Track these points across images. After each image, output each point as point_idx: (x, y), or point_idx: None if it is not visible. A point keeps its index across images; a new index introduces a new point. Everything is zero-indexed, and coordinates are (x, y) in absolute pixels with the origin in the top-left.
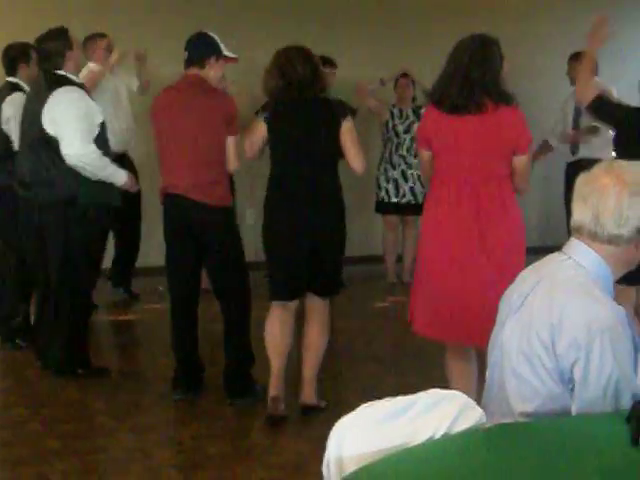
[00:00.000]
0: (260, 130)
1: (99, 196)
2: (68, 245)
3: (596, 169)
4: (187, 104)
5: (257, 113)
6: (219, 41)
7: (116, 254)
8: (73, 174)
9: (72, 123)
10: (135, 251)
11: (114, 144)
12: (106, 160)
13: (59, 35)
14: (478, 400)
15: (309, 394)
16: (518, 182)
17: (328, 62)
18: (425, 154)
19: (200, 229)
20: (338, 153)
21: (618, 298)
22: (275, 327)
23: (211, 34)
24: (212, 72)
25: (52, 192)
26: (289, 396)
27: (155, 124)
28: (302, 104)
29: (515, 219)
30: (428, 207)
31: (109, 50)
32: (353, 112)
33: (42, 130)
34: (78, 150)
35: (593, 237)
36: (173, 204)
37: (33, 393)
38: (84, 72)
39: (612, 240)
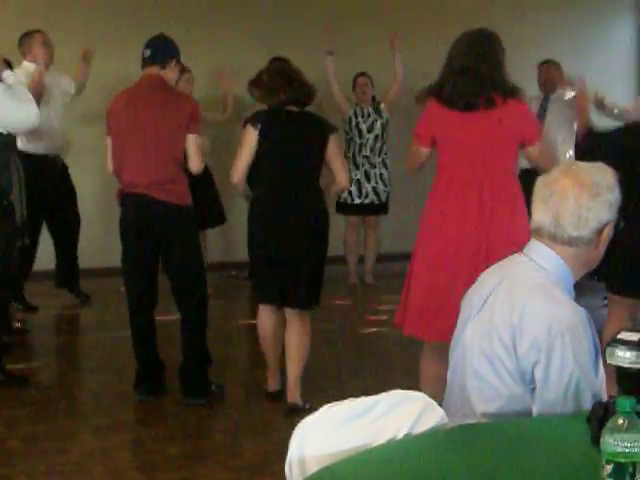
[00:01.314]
0: (251, 137)
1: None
2: None
3: (555, 171)
4: (147, 103)
5: (246, 124)
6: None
7: (57, 257)
8: None
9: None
10: (74, 250)
11: (46, 146)
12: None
13: None
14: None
15: (295, 395)
16: (542, 169)
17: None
18: (425, 151)
19: (160, 227)
20: (321, 167)
21: (613, 308)
22: (265, 325)
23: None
24: (171, 74)
25: None
26: (249, 395)
27: (113, 123)
28: (293, 119)
29: (521, 217)
30: (434, 204)
31: (47, 45)
32: (336, 129)
33: None
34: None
35: (553, 239)
36: (133, 203)
37: None
38: (19, 72)
39: (572, 242)
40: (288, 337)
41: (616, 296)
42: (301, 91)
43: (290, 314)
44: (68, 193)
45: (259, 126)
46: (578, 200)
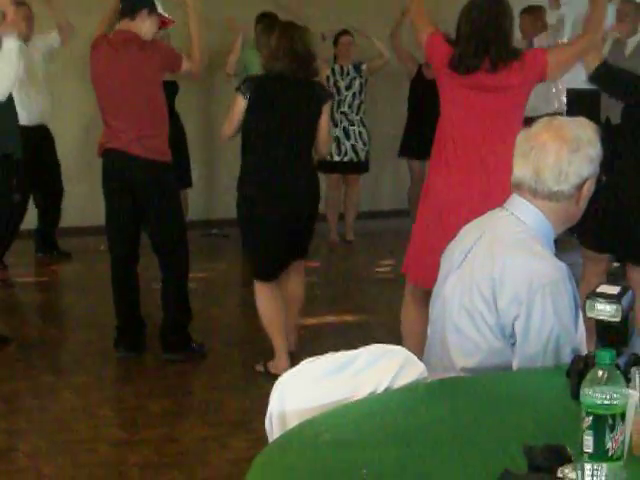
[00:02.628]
0: (239, 107)
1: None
2: None
3: (536, 126)
4: (119, 61)
5: (238, 89)
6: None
7: (39, 225)
8: None
9: None
10: (56, 221)
11: (30, 116)
12: None
13: None
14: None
15: (294, 342)
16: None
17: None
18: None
19: (139, 185)
20: (316, 134)
21: (587, 264)
22: (269, 305)
23: None
24: (144, 27)
25: None
26: (230, 353)
27: (93, 80)
28: (288, 86)
29: None
30: (438, 168)
31: (28, 20)
32: (331, 96)
33: None
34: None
35: (533, 193)
36: (112, 160)
37: None
38: None
39: (552, 196)
40: (292, 287)
41: (590, 252)
42: (307, 61)
43: (294, 265)
44: (52, 165)
45: (248, 96)
46: (558, 154)
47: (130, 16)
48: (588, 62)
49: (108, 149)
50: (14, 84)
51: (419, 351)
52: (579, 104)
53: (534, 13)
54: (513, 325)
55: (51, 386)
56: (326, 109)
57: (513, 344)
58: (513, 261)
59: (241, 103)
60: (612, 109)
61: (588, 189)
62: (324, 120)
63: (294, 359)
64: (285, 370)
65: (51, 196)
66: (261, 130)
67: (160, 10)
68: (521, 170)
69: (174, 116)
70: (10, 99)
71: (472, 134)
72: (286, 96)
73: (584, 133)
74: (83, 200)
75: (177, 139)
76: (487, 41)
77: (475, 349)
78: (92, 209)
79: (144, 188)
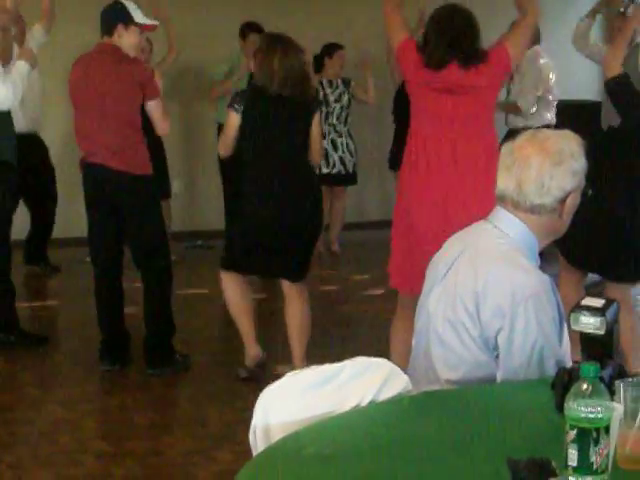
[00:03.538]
0: (233, 123)
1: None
2: None
3: (520, 138)
4: (98, 72)
5: (230, 106)
6: (131, 8)
7: (31, 233)
8: None
9: None
10: (49, 230)
11: (24, 123)
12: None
13: None
14: None
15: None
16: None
17: (256, 29)
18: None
19: (119, 198)
20: (309, 145)
21: (563, 280)
22: (234, 291)
23: (124, 1)
24: (124, 40)
25: None
26: (215, 365)
27: (71, 94)
28: (281, 99)
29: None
30: (408, 165)
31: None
32: (320, 104)
33: None
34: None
35: (516, 206)
36: (91, 172)
37: None
38: None
39: (534, 209)
40: (290, 313)
41: (567, 264)
42: (299, 81)
43: (289, 289)
44: (46, 171)
45: (241, 109)
46: (541, 168)
47: (107, 33)
48: (611, 66)
49: (88, 163)
50: (13, 104)
51: (404, 361)
52: (576, 117)
53: None
54: (496, 338)
55: (36, 398)
56: (317, 119)
57: (497, 357)
58: (496, 274)
59: (234, 118)
60: (614, 119)
61: (571, 202)
62: (315, 129)
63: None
64: (257, 358)
65: (45, 203)
66: (255, 144)
67: (139, 18)
68: (504, 183)
69: (151, 127)
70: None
71: (442, 138)
72: (277, 107)
73: (567, 146)
74: (65, 212)
75: (154, 150)
76: (458, 38)
77: (459, 361)
78: (77, 221)
79: (124, 201)
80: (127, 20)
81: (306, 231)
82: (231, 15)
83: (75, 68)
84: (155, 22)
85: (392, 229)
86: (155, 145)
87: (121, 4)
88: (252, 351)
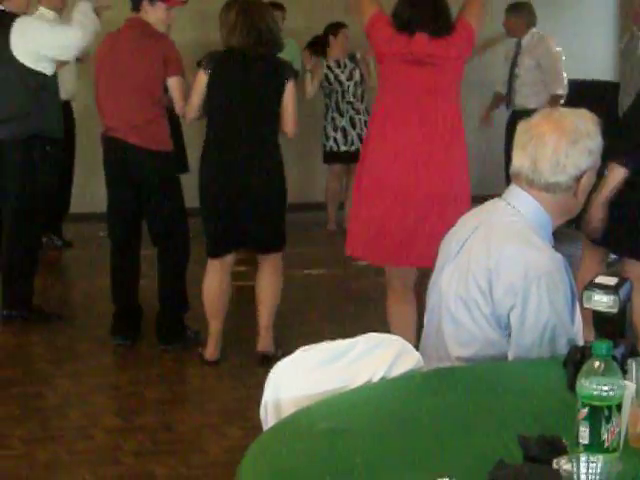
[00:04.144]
0: (201, 82)
1: (57, 130)
2: (33, 182)
3: (536, 117)
4: (124, 45)
5: (199, 64)
6: None
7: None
8: (42, 107)
9: (50, 31)
10: (67, 204)
11: (62, 89)
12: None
13: None
14: (417, 342)
15: (266, 343)
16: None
17: (277, 6)
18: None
19: (138, 173)
20: (278, 113)
21: (586, 259)
22: (213, 287)
23: None
24: (150, 16)
25: (22, 128)
26: (226, 341)
27: (97, 66)
28: (250, 61)
29: (459, 147)
30: (376, 130)
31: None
32: (296, 74)
33: (16, 67)
34: (73, 41)
35: (530, 184)
36: (112, 147)
37: None
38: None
39: (549, 188)
40: (260, 282)
41: (589, 241)
42: (267, 37)
43: (263, 260)
44: (70, 145)
45: (209, 70)
46: (556, 146)
47: (135, 9)
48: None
49: (108, 137)
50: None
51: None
52: (593, 96)
53: (520, 11)
54: (509, 316)
55: (47, 373)
56: (290, 87)
57: (509, 335)
58: (509, 251)
59: (203, 78)
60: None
61: (587, 182)
62: (289, 97)
63: (271, 361)
64: (212, 357)
65: (64, 175)
66: (221, 106)
67: None
68: (519, 160)
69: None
70: (55, 78)
71: (409, 110)
72: (246, 71)
73: (584, 125)
74: (84, 188)
75: (172, 125)
76: (432, 7)
77: (471, 339)
78: (92, 197)
79: (144, 177)
80: None
81: (272, 199)
82: None
83: (103, 42)
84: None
85: (358, 203)
86: (172, 120)
87: None
88: (209, 349)
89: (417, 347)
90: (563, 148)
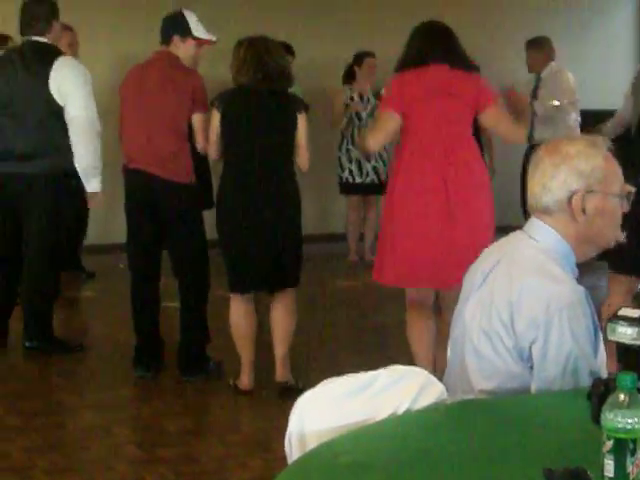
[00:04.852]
0: (215, 121)
1: None
2: (58, 217)
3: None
4: (152, 77)
5: (212, 104)
6: (192, 21)
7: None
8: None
9: (82, 88)
10: (83, 232)
11: None
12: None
13: (44, 1)
14: (435, 355)
15: (284, 373)
16: (504, 136)
17: (288, 50)
18: (397, 118)
19: (159, 205)
20: (293, 146)
21: (612, 290)
22: (239, 316)
23: (186, 13)
24: (180, 51)
25: (52, 164)
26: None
27: (120, 98)
28: (261, 97)
29: (481, 175)
30: (402, 162)
31: (73, 46)
32: (307, 108)
33: (50, 101)
34: (90, 113)
35: (533, 209)
36: (133, 179)
37: None
38: None
39: (546, 210)
40: (274, 315)
41: (614, 273)
42: (275, 72)
43: (277, 294)
44: None
45: (221, 109)
46: (543, 169)
47: (165, 42)
48: None
49: (131, 169)
50: None
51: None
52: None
53: (541, 46)
54: (531, 348)
55: (69, 404)
56: (302, 120)
57: (531, 367)
58: (530, 285)
59: (217, 117)
60: None
61: (582, 203)
62: (301, 130)
63: (291, 392)
64: (247, 387)
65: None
66: (234, 143)
67: (198, 31)
68: (528, 191)
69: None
70: None
71: (433, 140)
72: (257, 107)
73: (574, 147)
74: (104, 218)
75: (198, 160)
76: (440, 38)
77: (494, 372)
78: (112, 227)
79: (165, 209)
80: (184, 32)
81: (289, 236)
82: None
83: (130, 73)
84: (214, 38)
85: (391, 234)
86: (199, 154)
87: (182, 15)
88: (244, 379)
89: (435, 360)
90: (549, 170)
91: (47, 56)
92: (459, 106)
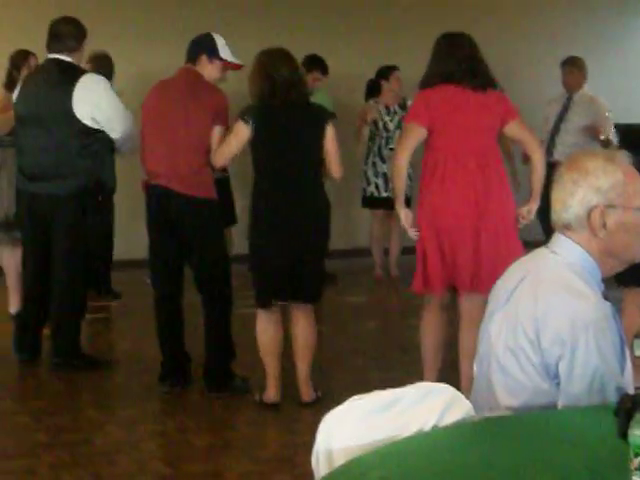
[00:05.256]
0: (242, 135)
1: (110, 181)
2: (84, 235)
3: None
4: (177, 93)
5: (242, 118)
6: (220, 44)
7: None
8: (95, 162)
9: (114, 104)
10: (110, 250)
11: None
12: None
13: (73, 21)
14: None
15: (307, 392)
16: (529, 142)
17: (320, 65)
18: (423, 131)
19: (181, 221)
20: (322, 157)
21: (627, 304)
22: (266, 331)
23: (215, 36)
24: (206, 71)
25: (75, 183)
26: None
27: (142, 113)
28: (287, 109)
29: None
30: (431, 175)
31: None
32: (334, 117)
33: (73, 122)
34: (126, 127)
35: (556, 225)
36: (154, 195)
37: (20, 386)
38: None
39: (567, 226)
40: (296, 334)
41: (626, 288)
42: (284, 85)
43: (296, 309)
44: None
45: (252, 123)
46: (564, 185)
47: (191, 61)
48: None
49: (151, 185)
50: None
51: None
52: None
53: (581, 65)
54: (557, 365)
55: (96, 420)
56: (330, 129)
57: (558, 384)
58: (555, 301)
59: (245, 131)
60: None
61: (603, 218)
62: (330, 140)
63: (311, 409)
64: (274, 400)
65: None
66: (268, 156)
67: (225, 54)
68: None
69: None
70: None
71: (462, 151)
72: (287, 121)
73: (592, 163)
74: (128, 234)
75: (219, 176)
76: (469, 59)
77: (520, 388)
78: (137, 243)
79: (187, 225)
80: (212, 53)
81: (316, 249)
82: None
83: (154, 88)
84: (240, 62)
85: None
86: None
87: (211, 37)
88: (270, 392)
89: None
90: (568, 187)
91: (70, 77)
92: (487, 119)
